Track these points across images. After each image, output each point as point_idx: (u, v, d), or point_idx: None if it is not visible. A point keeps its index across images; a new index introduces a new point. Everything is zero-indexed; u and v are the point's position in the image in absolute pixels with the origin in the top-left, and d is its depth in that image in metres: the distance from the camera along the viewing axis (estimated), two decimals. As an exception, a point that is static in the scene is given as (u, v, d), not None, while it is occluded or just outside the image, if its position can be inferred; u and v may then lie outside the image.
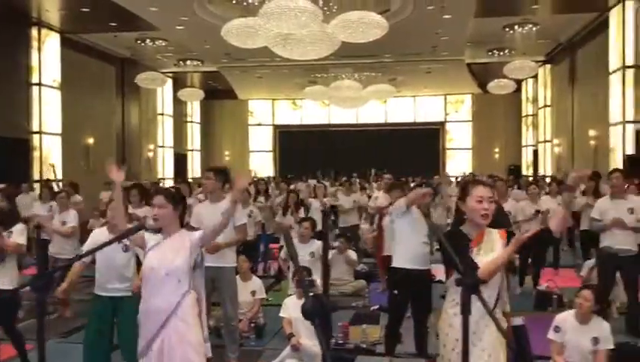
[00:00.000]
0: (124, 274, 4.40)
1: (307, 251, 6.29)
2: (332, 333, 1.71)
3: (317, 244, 6.48)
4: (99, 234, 4.51)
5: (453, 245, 2.48)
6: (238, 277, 5.69)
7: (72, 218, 7.27)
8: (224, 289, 5.13)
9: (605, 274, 6.14)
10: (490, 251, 3.01)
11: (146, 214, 6.26)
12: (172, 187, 3.54)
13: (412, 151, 24.49)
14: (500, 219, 3.35)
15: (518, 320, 3.79)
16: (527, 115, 24.07)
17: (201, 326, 3.44)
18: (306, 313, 1.50)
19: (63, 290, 4.65)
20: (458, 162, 26.21)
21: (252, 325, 6.08)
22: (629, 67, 13.55)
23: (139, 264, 4.44)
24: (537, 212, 7.78)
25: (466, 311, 1.93)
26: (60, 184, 13.32)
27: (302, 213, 8.84)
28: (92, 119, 17.77)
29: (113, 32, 16.39)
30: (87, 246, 4.58)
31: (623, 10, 13.65)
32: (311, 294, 1.52)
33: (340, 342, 5.76)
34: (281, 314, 5.33)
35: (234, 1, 12.69)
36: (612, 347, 4.29)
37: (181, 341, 3.29)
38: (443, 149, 26.79)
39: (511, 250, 2.95)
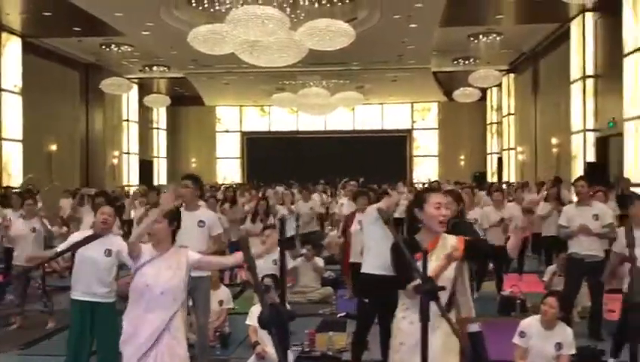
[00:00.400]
0: (104, 278, 4.36)
1: (270, 259, 6.24)
2: (290, 342, 1.70)
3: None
4: (77, 237, 4.50)
5: (401, 254, 2.47)
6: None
7: (40, 225, 7.01)
8: (200, 299, 5.10)
9: (572, 280, 6.26)
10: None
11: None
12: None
13: (380, 158, 24.64)
14: (462, 228, 3.36)
15: (474, 326, 3.81)
16: (491, 123, 24.49)
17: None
18: (263, 322, 1.48)
19: (30, 258, 4.58)
20: (425, 169, 26.52)
21: (217, 334, 6.00)
22: (589, 77, 13.91)
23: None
24: (502, 219, 7.90)
25: (425, 318, 1.94)
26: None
27: (271, 220, 8.81)
28: (55, 125, 17.41)
29: (77, 36, 16.12)
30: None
31: (583, 21, 14.03)
32: (268, 303, 1.50)
33: (307, 349, 5.74)
34: (247, 322, 5.28)
35: (200, 8, 12.61)
36: (574, 352, 4.38)
37: (172, 356, 3.33)
38: (410, 156, 27.07)
39: (442, 265, 2.97)
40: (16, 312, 6.82)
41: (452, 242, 3.09)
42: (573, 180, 6.99)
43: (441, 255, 3.01)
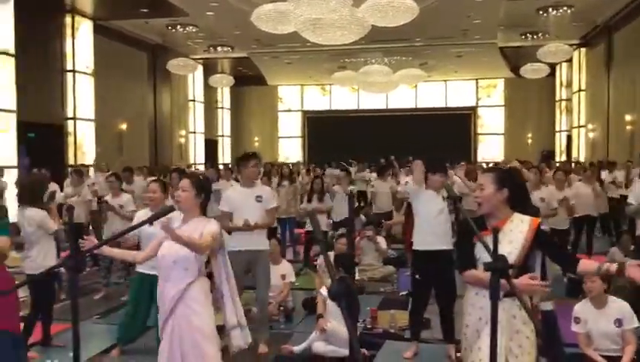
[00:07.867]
0: None
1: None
2: (359, 316, 1.70)
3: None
4: (143, 216, 4.63)
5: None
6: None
7: (127, 202, 7.16)
8: (260, 273, 5.23)
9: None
10: None
11: None
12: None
13: (443, 136, 24.12)
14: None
15: (547, 305, 3.69)
16: (560, 100, 23.59)
17: (212, 312, 3.48)
18: (333, 294, 1.51)
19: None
20: (490, 147, 25.92)
21: (281, 308, 6.13)
22: (668, 50, 13.18)
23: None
24: (564, 198, 7.76)
25: (495, 296, 1.91)
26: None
27: (328, 200, 8.91)
28: (124, 105, 18.01)
29: (144, 18, 16.54)
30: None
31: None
32: (337, 277, 1.53)
33: (369, 326, 5.79)
34: (320, 291, 5.36)
35: (264, -14, 12.64)
36: (637, 325, 4.12)
37: (190, 327, 3.35)
38: (474, 134, 26.49)
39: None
40: (103, 283, 7.28)
41: (523, 226, 2.87)
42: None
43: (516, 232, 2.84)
